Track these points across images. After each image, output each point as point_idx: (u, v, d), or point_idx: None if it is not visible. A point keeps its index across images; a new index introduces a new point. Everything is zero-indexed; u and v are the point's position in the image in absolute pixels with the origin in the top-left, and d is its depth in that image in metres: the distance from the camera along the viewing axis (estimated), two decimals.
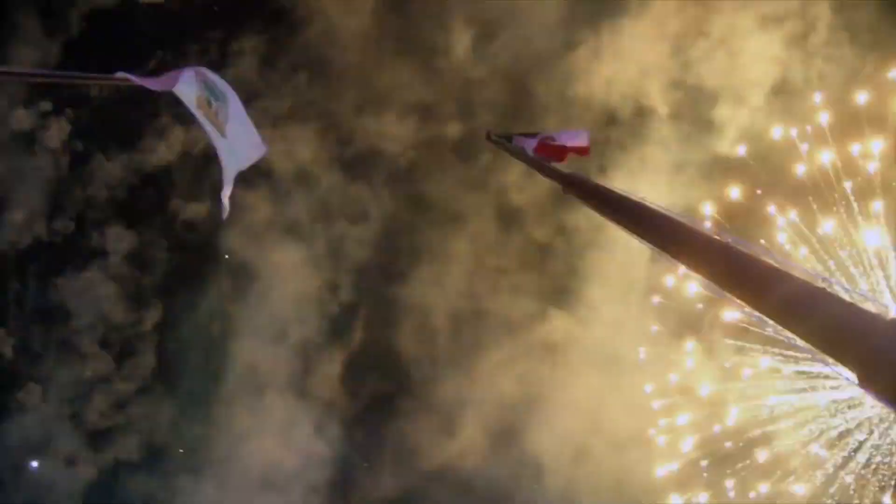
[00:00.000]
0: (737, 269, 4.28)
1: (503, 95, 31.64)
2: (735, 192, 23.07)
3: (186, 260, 32.80)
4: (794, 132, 22.67)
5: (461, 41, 31.21)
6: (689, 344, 24.54)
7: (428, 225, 32.95)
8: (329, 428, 31.43)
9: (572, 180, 6.03)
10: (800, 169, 22.35)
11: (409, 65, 31.95)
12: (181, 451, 31.38)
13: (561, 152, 7.14)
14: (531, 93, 31.55)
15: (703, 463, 24.74)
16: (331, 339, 32.50)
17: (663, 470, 24.85)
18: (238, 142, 5.38)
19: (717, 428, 24.27)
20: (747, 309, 4.36)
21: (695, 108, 28.39)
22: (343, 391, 32.09)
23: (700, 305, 23.99)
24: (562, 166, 6.58)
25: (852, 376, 4.15)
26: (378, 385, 32.87)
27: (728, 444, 24.26)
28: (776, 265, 4.36)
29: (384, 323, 32.94)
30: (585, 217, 27.13)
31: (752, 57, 27.50)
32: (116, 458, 31.11)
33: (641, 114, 29.12)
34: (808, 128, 22.44)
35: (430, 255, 32.60)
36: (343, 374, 32.14)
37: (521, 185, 30.33)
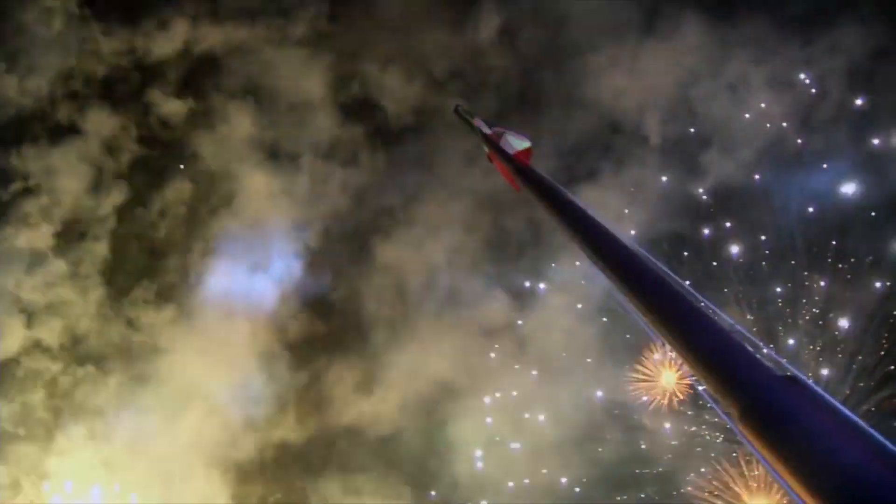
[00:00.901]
0: (652, 289, 4.48)
1: (514, 82, 31.59)
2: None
3: (155, 156, 32.17)
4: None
5: (491, 21, 31.02)
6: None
7: (406, 188, 32.85)
8: (260, 357, 31.11)
9: (526, 173, 6.13)
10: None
11: (436, 31, 31.66)
12: (101, 344, 30.91)
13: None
14: (540, 85, 31.60)
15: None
16: (281, 270, 32.18)
17: None
18: None
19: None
20: (655, 333, 4.55)
21: (684, 145, 28.75)
22: (280, 324, 31.81)
23: (627, 336, 24.65)
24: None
25: (730, 416, 4.35)
26: (317, 328, 32.70)
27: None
28: (691, 299, 4.56)
29: (341, 269, 32.78)
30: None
31: (752, 111, 27.95)
32: (37, 339, 30.61)
33: (634, 136, 29.42)
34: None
35: (401, 218, 32.55)
36: (287, 308, 31.84)
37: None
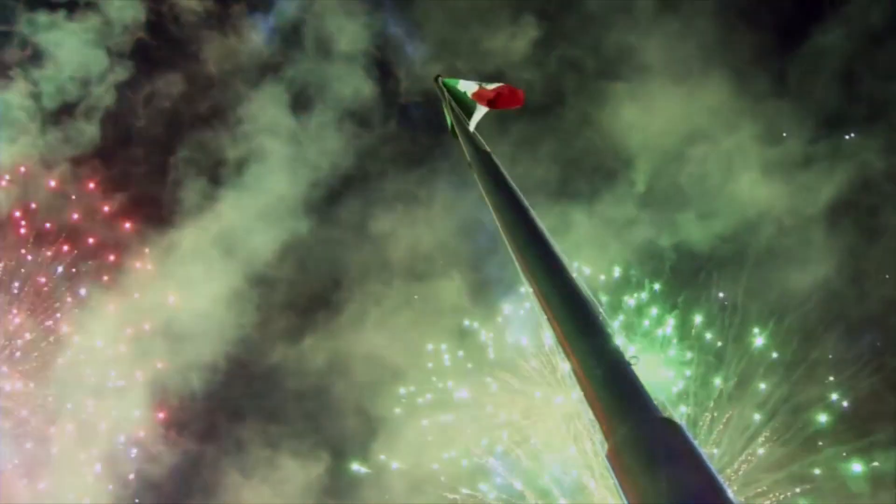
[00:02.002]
0: (568, 300, 4.56)
1: (534, 96, 31.53)
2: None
3: (154, 46, 31.17)
4: None
5: (527, 34, 30.93)
6: None
7: (404, 165, 32.67)
8: (207, 276, 30.28)
9: (482, 157, 6.15)
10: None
11: (476, 26, 31.48)
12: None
13: (489, 94, 7.52)
14: (559, 103, 31.73)
15: None
16: (253, 198, 31.44)
17: None
18: None
19: None
20: (558, 343, 4.61)
21: (666, 203, 29.02)
22: (235, 250, 30.99)
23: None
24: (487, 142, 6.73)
25: (605, 443, 4.42)
26: (273, 267, 31.90)
27: None
28: (601, 321, 4.64)
29: (318, 219, 32.26)
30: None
31: (741, 187, 28.26)
32: None
33: (623, 175, 29.66)
34: None
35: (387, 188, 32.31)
36: (248, 235, 30.97)
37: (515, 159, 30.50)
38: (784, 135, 29.58)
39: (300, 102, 31.72)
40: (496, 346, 28.74)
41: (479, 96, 7.90)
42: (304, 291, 32.52)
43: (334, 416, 30.47)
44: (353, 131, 32.20)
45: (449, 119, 7.60)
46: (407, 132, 34.27)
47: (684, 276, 26.92)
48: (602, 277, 27.20)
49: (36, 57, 29.22)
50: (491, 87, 7.99)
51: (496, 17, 32.31)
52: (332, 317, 31.33)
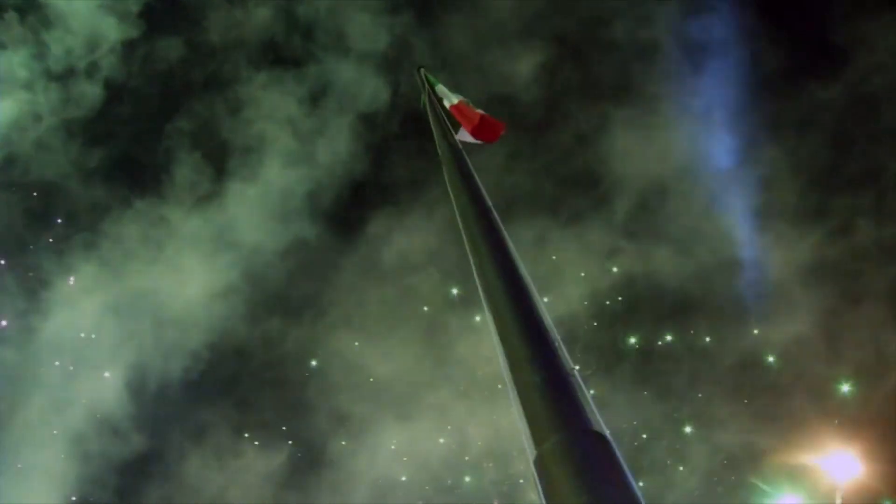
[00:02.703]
0: (515, 301, 4.55)
1: (535, 115, 31.70)
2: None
3: (159, 8, 30.72)
4: None
5: (535, 57, 31.15)
6: None
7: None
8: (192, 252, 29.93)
9: (452, 152, 6.16)
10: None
11: (492, 48, 31.65)
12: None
13: (474, 117, 7.35)
14: (559, 126, 31.93)
15: None
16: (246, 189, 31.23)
17: None
18: None
19: None
20: (499, 345, 4.59)
21: (641, 237, 29.23)
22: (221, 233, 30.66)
23: None
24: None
25: (533, 454, 4.38)
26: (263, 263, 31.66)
27: None
28: (546, 328, 4.63)
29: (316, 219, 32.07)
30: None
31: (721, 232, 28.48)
32: None
33: (605, 203, 29.86)
34: None
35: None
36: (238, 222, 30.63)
37: (515, 167, 30.64)
38: (775, 186, 29.92)
39: (299, 92, 31.64)
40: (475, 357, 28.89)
41: (460, 112, 7.65)
42: (291, 284, 32.35)
43: (306, 412, 30.37)
44: (350, 128, 32.20)
45: (427, 109, 7.59)
46: (403, 136, 34.34)
47: (650, 310, 27.15)
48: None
49: (39, 12, 28.92)
50: (472, 108, 7.67)
51: (512, 36, 32.52)
52: (316, 314, 31.27)
